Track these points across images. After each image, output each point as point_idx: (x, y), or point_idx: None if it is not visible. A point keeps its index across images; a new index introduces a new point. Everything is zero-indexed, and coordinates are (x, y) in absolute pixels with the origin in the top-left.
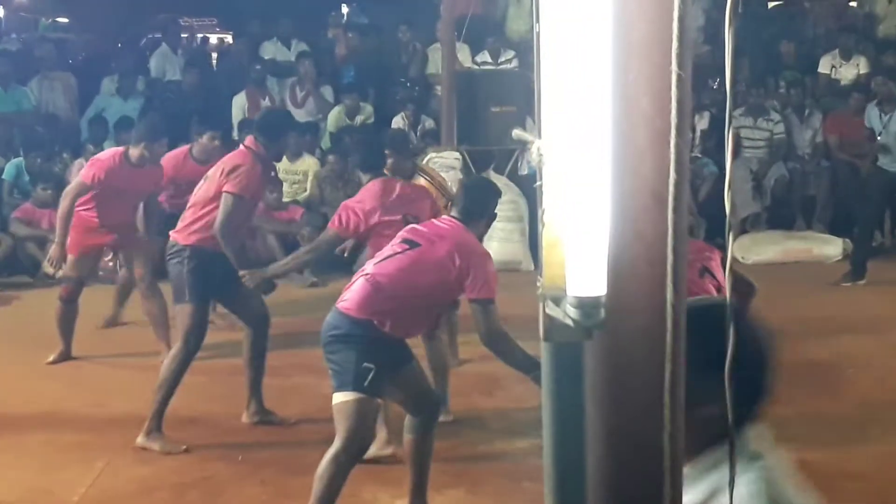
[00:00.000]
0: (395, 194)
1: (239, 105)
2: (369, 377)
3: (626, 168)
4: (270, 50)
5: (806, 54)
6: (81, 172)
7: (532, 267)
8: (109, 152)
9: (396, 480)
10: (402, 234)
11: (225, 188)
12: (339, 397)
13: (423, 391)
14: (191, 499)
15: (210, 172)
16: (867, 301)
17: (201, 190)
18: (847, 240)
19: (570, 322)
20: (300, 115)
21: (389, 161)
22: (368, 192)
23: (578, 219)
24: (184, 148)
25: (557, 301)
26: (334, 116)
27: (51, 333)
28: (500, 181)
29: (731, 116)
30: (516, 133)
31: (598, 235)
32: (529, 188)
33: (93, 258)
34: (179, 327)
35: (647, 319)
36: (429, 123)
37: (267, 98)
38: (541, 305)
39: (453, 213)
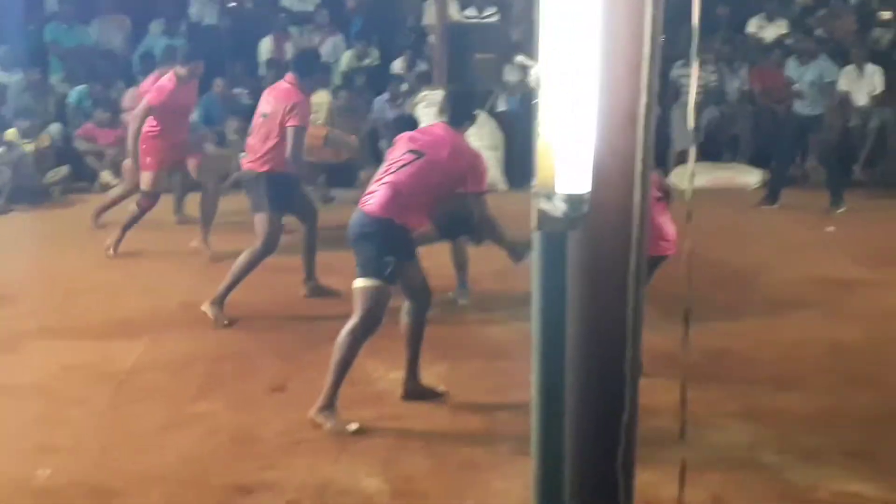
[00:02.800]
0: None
1: (266, 47)
2: (388, 268)
3: (607, 92)
4: (288, 2)
5: (736, 17)
6: (147, 97)
7: (506, 188)
8: (164, 79)
9: (392, 357)
10: (404, 145)
11: (289, 123)
12: (361, 282)
13: (422, 283)
14: (225, 368)
15: (269, 110)
16: (780, 221)
17: (265, 127)
18: (765, 171)
19: (559, 214)
20: None
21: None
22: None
23: (569, 131)
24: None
25: (549, 197)
26: (346, 58)
27: (103, 233)
28: (480, 116)
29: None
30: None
31: (584, 145)
32: (505, 122)
33: (166, 174)
34: (259, 232)
35: (618, 217)
36: (423, 66)
37: (289, 42)
38: (533, 201)
39: (443, 118)
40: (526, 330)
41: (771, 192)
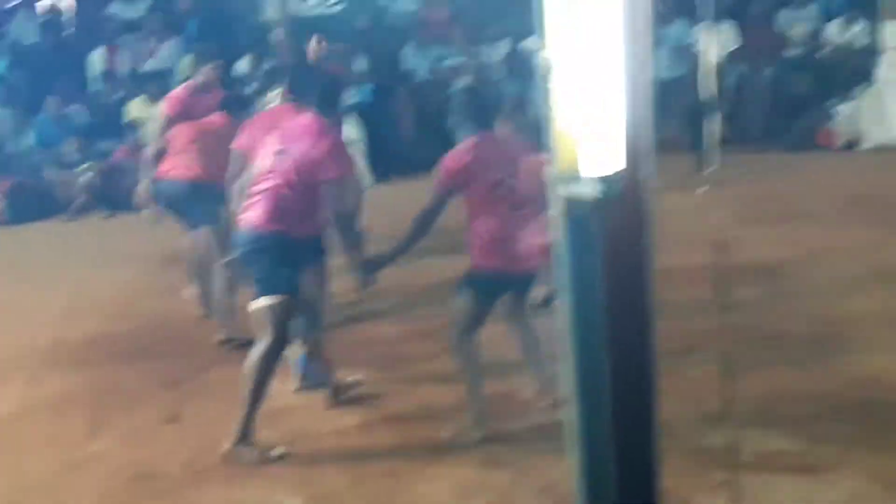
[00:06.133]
0: None
1: (99, 59)
2: (286, 279)
3: (633, 62)
4: (115, 8)
5: None
6: (163, 107)
7: (371, 183)
8: (178, 89)
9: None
10: (271, 146)
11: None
12: (264, 301)
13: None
14: (112, 403)
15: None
16: None
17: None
18: None
19: (594, 197)
20: (153, 65)
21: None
22: None
23: (596, 109)
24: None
25: (575, 181)
26: (186, 64)
27: None
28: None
29: None
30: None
31: (614, 121)
32: (361, 115)
33: None
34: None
35: (635, 193)
36: (270, 64)
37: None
38: (553, 188)
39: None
40: (422, 324)
41: None
